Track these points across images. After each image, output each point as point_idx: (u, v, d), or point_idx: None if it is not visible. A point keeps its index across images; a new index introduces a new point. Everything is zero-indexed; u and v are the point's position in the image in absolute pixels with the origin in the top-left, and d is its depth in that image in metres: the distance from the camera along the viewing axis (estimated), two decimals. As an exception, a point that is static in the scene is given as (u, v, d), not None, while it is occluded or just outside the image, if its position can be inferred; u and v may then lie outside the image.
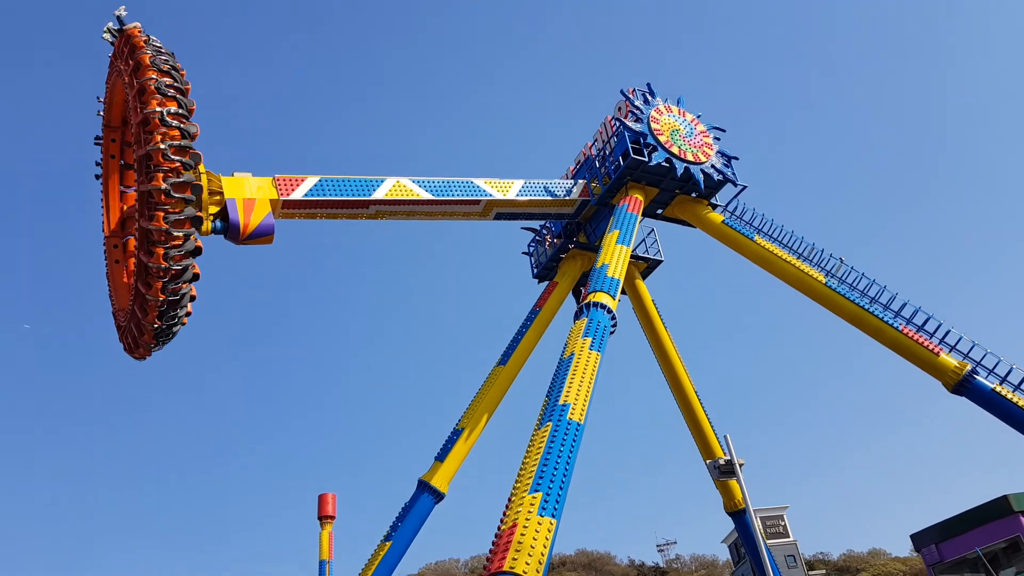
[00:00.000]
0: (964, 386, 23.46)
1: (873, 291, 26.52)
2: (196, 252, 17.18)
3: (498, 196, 26.17)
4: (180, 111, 16.84)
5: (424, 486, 26.01)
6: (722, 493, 28.97)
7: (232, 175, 20.55)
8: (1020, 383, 23.68)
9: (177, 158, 16.38)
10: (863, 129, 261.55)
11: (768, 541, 68.56)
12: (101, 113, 23.01)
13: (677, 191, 29.77)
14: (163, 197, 16.06)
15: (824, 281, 26.55)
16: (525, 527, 12.95)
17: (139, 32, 19.00)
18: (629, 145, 28.17)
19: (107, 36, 20.02)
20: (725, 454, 16.96)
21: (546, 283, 31.43)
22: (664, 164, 28.27)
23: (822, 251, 27.89)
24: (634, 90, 30.18)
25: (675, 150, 28.75)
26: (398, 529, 25.55)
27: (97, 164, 23.49)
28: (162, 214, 16.07)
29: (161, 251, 16.22)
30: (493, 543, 13.23)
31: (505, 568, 12.01)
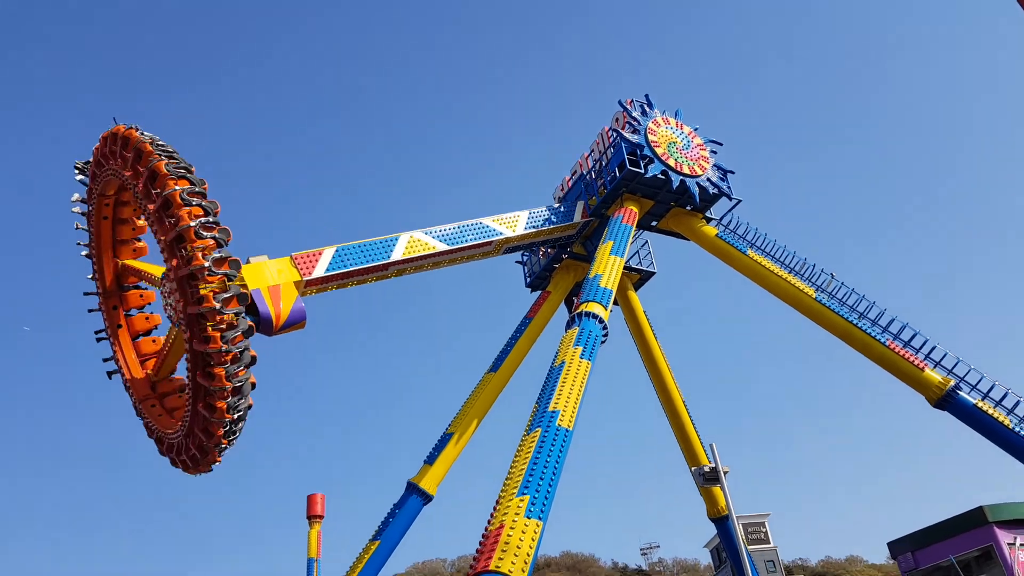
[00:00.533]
0: (947, 401, 23.91)
1: (862, 307, 26.94)
2: (252, 361, 16.11)
3: (508, 233, 26.45)
4: (209, 219, 15.63)
5: (413, 488, 26.31)
6: (706, 499, 29.36)
7: (247, 261, 19.03)
8: (1001, 399, 24.13)
9: (220, 271, 15.18)
10: (859, 146, 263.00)
11: (749, 547, 69.45)
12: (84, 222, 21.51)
13: (672, 203, 30.17)
14: (216, 317, 14.87)
15: (814, 296, 26.97)
16: (512, 528, 13.29)
17: (138, 133, 17.63)
18: (626, 156, 28.57)
19: (79, 177, 19.79)
20: (710, 462, 17.34)
21: (539, 292, 31.80)
22: (660, 176, 28.67)
23: (813, 266, 28.33)
24: (632, 101, 30.58)
25: (671, 163, 29.14)
26: (386, 529, 25.83)
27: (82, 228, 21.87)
28: (218, 335, 15.15)
29: (222, 371, 15.23)
30: (480, 543, 13.56)
31: (491, 567, 12.33)
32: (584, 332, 20.46)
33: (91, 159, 19.98)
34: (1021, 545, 16.23)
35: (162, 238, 15.93)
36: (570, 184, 32.91)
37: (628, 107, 30.22)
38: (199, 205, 15.60)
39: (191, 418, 16.22)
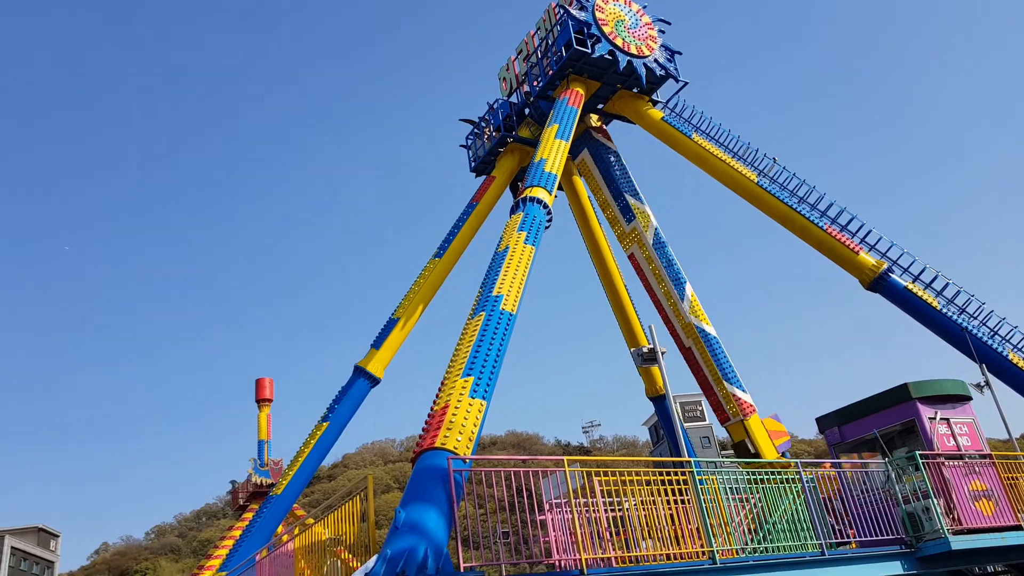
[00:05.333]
0: (879, 284, 24.68)
1: (802, 191, 27.20)
2: None
3: None
4: None
5: (360, 371, 26.52)
6: (645, 380, 30.31)
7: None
8: (931, 281, 25.02)
9: None
10: (811, 29, 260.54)
11: (686, 424, 72.80)
12: None
13: (619, 85, 29.53)
14: None
15: (756, 180, 27.10)
16: (456, 408, 13.47)
17: None
18: (572, 35, 27.61)
19: None
20: (649, 343, 17.69)
21: (484, 177, 31.33)
22: (607, 56, 27.86)
23: (756, 151, 28.31)
24: (580, -24, 29.34)
25: (619, 42, 28.30)
26: (334, 411, 26.16)
27: None
28: None
29: None
30: (426, 423, 13.75)
31: (437, 444, 12.55)
32: (528, 217, 20.30)
33: None
34: (941, 419, 17.14)
35: None
36: (516, 65, 31.93)
37: (576, -18, 29.01)
38: None
39: None
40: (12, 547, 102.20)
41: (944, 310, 24.36)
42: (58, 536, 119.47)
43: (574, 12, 28.15)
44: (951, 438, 17.08)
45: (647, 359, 17.43)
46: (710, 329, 26.18)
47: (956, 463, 16.42)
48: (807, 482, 14.67)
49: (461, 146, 33.68)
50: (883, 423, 17.58)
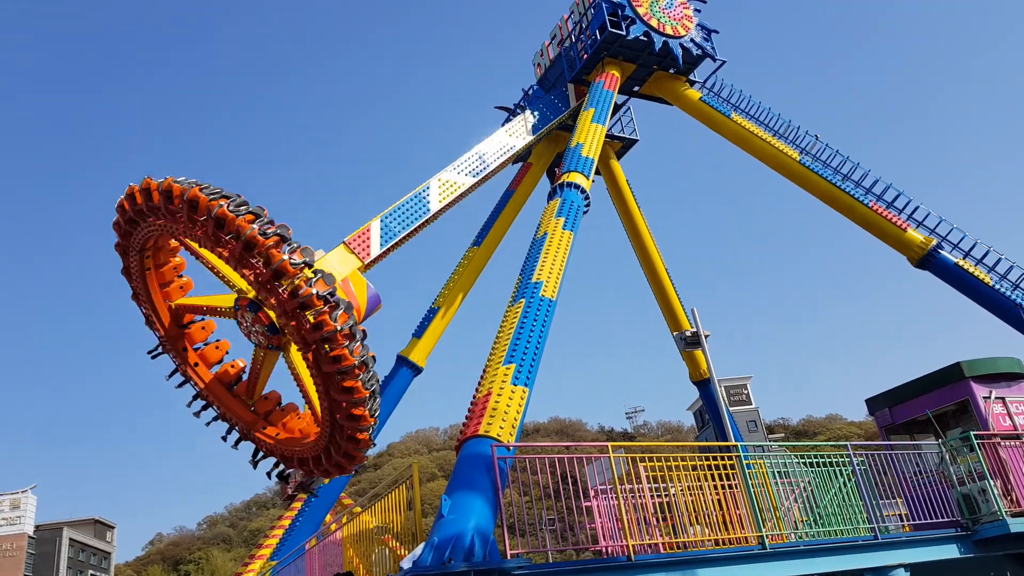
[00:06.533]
0: (928, 260, 24.02)
1: (846, 168, 26.54)
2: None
3: (520, 144, 25.42)
4: (289, 245, 15.06)
5: (403, 360, 26.66)
6: (688, 364, 29.94)
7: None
8: (983, 257, 24.27)
9: (325, 294, 14.90)
10: (847, 5, 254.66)
11: (731, 408, 72.00)
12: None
13: (655, 67, 29.13)
14: (339, 338, 14.58)
15: (799, 159, 26.55)
16: (499, 395, 13.47)
17: (184, 182, 16.34)
18: (607, 17, 27.28)
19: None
20: (692, 326, 17.51)
21: (520, 164, 31.21)
22: (642, 38, 27.51)
23: (798, 128, 27.71)
24: (613, -43, 29.00)
25: (654, 23, 27.93)
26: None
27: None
28: (345, 351, 14.47)
29: (358, 383, 14.63)
30: (469, 411, 13.78)
31: (480, 432, 12.57)
32: (566, 203, 20.19)
33: (118, 220, 18.21)
34: (996, 398, 16.66)
35: (253, 278, 14.97)
36: (550, 50, 31.67)
37: (609, -37, 28.65)
38: (276, 234, 14.77)
39: (332, 431, 15.91)
40: (70, 539, 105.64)
41: (997, 286, 23.63)
42: (113, 527, 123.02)
43: (607, -7, 27.81)
44: (1007, 417, 16.61)
45: (690, 343, 17.27)
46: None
47: (1013, 443, 15.97)
48: (857, 465, 14.39)
49: (497, 134, 33.60)
50: (935, 403, 17.17)
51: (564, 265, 17.98)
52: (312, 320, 14.42)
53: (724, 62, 29.24)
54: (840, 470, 14.27)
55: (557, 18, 31.22)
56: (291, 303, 14.59)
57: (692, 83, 29.52)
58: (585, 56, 28.16)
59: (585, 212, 20.88)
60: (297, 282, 14.31)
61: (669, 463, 12.95)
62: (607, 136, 29.27)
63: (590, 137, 23.38)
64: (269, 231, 14.81)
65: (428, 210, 21.44)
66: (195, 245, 18.17)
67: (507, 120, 32.96)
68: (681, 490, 12.82)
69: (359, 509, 15.41)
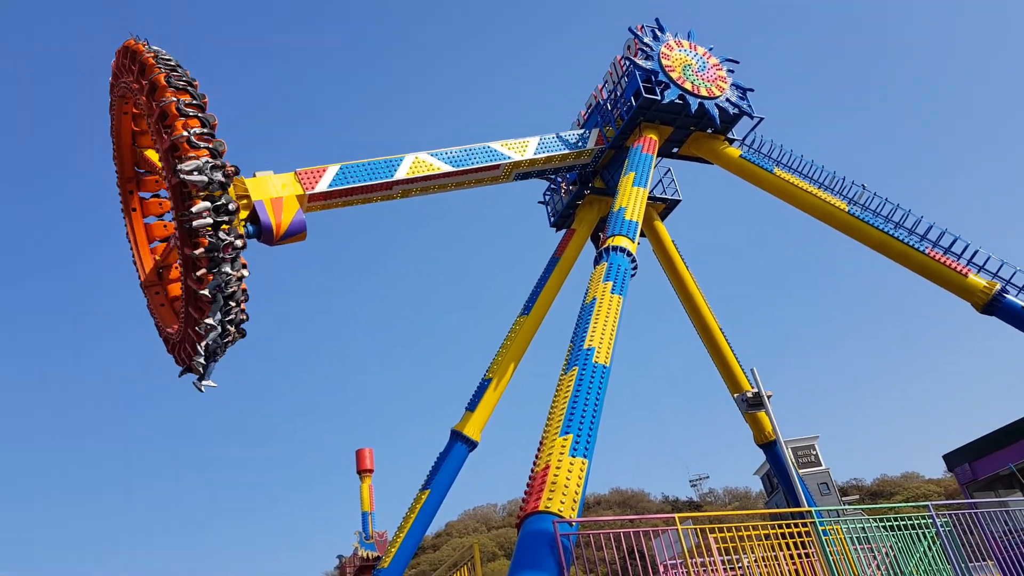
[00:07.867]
0: (994, 305, 23.18)
1: (897, 216, 26.03)
2: (242, 245, 16.73)
3: (516, 157, 25.93)
4: (205, 131, 16.23)
5: (457, 435, 26.40)
6: (752, 426, 29.08)
7: (254, 175, 19.94)
8: (1052, 299, 23.33)
9: (203, 145, 15.99)
10: (878, 51, 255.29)
11: (800, 470, 69.50)
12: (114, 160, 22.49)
13: (692, 128, 29.31)
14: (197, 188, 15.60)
15: (847, 209, 26.16)
16: (558, 468, 13.13)
17: (146, 48, 18.11)
18: (640, 84, 27.67)
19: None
20: (752, 387, 16.99)
21: (564, 231, 31.32)
22: (677, 101, 27.78)
23: (843, 179, 27.40)
24: (642, 27, 29.53)
25: (688, 86, 28.22)
26: (435, 478, 26.03)
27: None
28: (201, 198, 15.64)
29: (206, 240, 15.61)
30: (527, 485, 13.43)
31: (541, 508, 12.20)
32: (613, 267, 20.07)
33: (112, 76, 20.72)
34: (1083, 446, 15.73)
35: (160, 148, 16.59)
36: (586, 118, 32.08)
37: (639, 33, 29.19)
38: (196, 117, 16.48)
39: (184, 296, 17.10)
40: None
41: (1071, 329, 22.60)
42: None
43: (639, 62, 28.24)
44: (1098, 467, 15.62)
45: (752, 404, 16.72)
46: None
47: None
48: (942, 527, 13.58)
49: (539, 203, 33.91)
50: (1018, 456, 16.26)
51: (615, 330, 17.74)
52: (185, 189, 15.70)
53: (762, 119, 29.28)
54: (924, 532, 13.47)
55: (590, 87, 31.73)
56: (166, 142, 16.03)
57: (731, 141, 29.54)
58: (622, 123, 28.43)
59: (633, 275, 20.72)
60: (180, 131, 15.84)
61: (740, 533, 12.37)
62: (649, 198, 29.31)
63: (632, 200, 23.39)
64: (190, 112, 16.52)
65: (391, 175, 22.58)
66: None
67: (548, 190, 33.38)
68: (755, 561, 12.20)
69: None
